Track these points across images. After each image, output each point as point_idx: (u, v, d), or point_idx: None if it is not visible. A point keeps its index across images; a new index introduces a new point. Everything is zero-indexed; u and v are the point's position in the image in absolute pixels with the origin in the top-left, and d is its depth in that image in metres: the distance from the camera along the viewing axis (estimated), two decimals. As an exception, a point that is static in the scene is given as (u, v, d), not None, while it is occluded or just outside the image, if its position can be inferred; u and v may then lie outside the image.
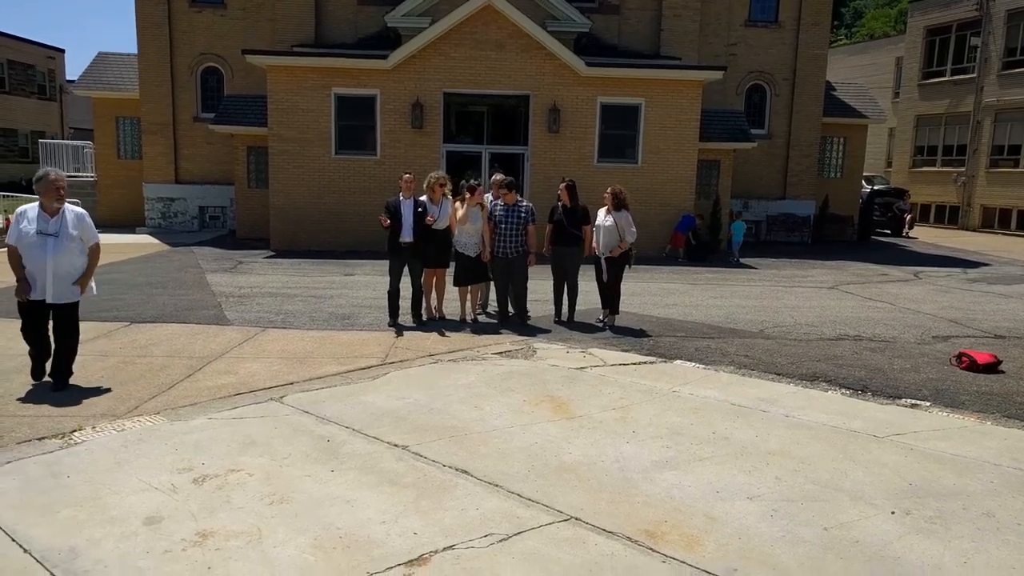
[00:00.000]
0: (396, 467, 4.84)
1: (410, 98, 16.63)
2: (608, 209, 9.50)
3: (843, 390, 6.90)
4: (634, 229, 9.46)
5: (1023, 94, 26.37)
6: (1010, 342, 9.21)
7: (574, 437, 5.43)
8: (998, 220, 27.39)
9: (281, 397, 6.21)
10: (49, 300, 6.16)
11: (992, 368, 7.60)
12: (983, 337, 9.48)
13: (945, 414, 6.23)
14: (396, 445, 5.20)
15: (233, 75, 20.29)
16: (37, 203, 6.16)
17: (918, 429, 5.77)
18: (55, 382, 6.31)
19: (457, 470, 4.81)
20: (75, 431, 5.28)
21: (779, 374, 7.38)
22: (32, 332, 6.31)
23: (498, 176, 9.81)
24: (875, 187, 26.27)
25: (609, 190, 9.63)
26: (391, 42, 18.37)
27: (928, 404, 6.47)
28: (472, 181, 9.67)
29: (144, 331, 8.55)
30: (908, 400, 6.58)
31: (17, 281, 6.12)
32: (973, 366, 7.61)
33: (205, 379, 6.71)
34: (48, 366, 6.40)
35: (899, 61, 32.82)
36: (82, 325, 8.58)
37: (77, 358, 7.22)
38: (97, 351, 7.58)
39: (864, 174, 25.24)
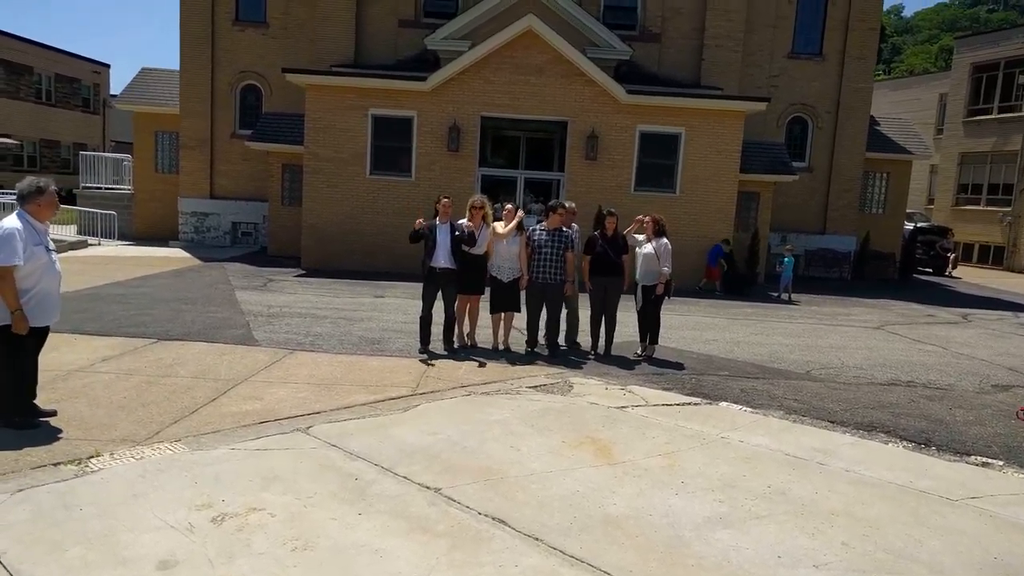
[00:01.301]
0: (428, 512, 4.48)
1: (447, 121, 16.50)
2: (648, 236, 9.23)
3: (904, 443, 6.42)
4: (671, 260, 9.14)
5: (1073, 134, 25.63)
6: (1077, 395, 8.63)
7: (618, 486, 5.04)
8: (1045, 262, 26.51)
9: (307, 428, 5.90)
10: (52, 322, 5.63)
11: (1064, 424, 7.06)
12: (1047, 388, 8.91)
13: (1022, 476, 5.73)
14: (428, 487, 4.85)
15: (272, 93, 20.37)
16: (18, 218, 5.32)
17: (994, 493, 5.28)
18: (37, 415, 5.66)
19: (493, 519, 4.44)
20: (92, 457, 5.01)
21: (833, 422, 6.92)
22: (29, 364, 5.54)
23: (568, 204, 9.42)
24: (918, 224, 25.59)
25: (649, 217, 9.38)
26: (430, 65, 18.31)
27: (1001, 464, 5.97)
28: (509, 204, 9.33)
29: (171, 349, 8.33)
30: (978, 458, 6.08)
31: (14, 311, 5.20)
32: (1043, 421, 7.08)
33: (230, 404, 6.43)
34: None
35: (942, 97, 32.21)
36: (110, 340, 8.51)
37: (104, 376, 7.06)
38: (123, 369, 7.36)
39: (906, 211, 24.59)
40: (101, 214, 20.64)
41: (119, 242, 20.50)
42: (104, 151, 33.51)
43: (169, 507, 4.32)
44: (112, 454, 5.10)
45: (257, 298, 12.27)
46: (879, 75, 46.48)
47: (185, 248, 19.68)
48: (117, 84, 46.64)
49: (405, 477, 5.00)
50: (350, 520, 4.32)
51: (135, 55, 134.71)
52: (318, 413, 6.33)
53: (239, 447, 5.38)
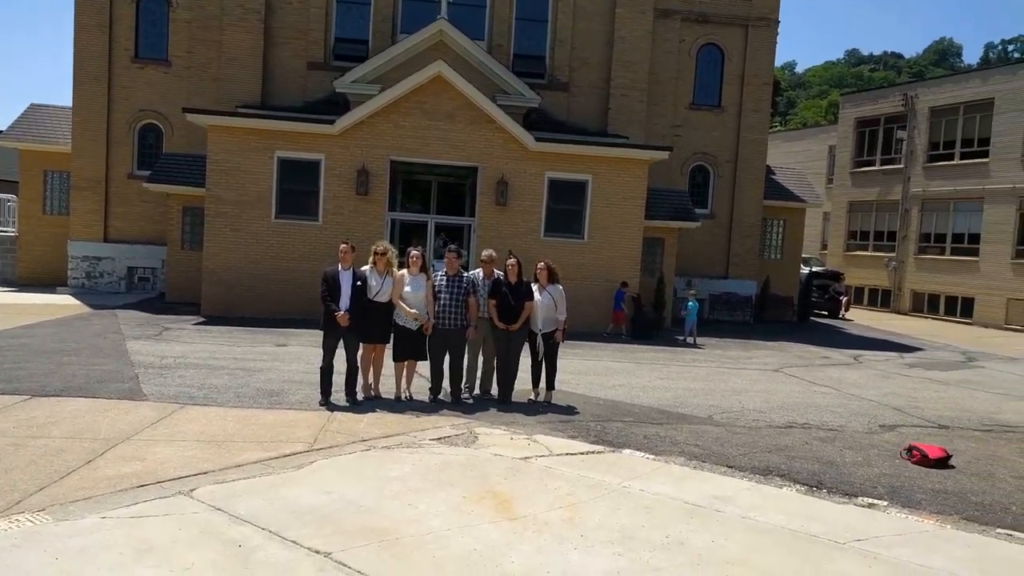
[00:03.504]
0: (315, 580, 4.26)
1: (356, 164, 16.35)
2: (541, 285, 9.25)
3: (798, 486, 6.60)
4: (565, 305, 9.25)
5: (946, 186, 27.76)
6: (954, 433, 9.15)
7: (517, 542, 4.94)
8: (927, 304, 28.36)
9: (191, 490, 5.55)
10: None
11: (943, 463, 7.44)
12: (928, 427, 9.41)
13: (903, 515, 5.97)
14: (318, 552, 4.62)
15: (173, 133, 19.74)
16: None
17: (879, 534, 5.47)
18: None
19: (385, 584, 4.26)
20: (-63, 534, 4.54)
21: (731, 467, 7.06)
22: None
23: (486, 253, 9.50)
24: (813, 269, 26.96)
25: (543, 264, 9.40)
26: (339, 107, 18.18)
27: (885, 504, 6.21)
28: (415, 251, 9.18)
29: (45, 406, 7.75)
30: (865, 499, 6.30)
31: None
32: (924, 460, 7.44)
33: (107, 467, 5.99)
34: None
35: (832, 149, 34.35)
36: (-27, 399, 7.83)
37: (-40, 439, 6.47)
38: (-14, 430, 6.78)
39: (802, 256, 25.88)
40: (-21, 258, 19.31)
41: (-1, 288, 19.18)
42: (-12, 190, 31.48)
43: (23, 588, 3.94)
44: (-38, 529, 4.64)
45: (150, 348, 11.65)
46: (776, 127, 49.30)
47: (75, 295, 18.59)
48: (4, 120, 44.08)
49: (294, 541, 4.75)
50: (229, 593, 4.05)
51: (24, 90, 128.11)
52: (205, 473, 5.98)
53: (111, 515, 4.99)
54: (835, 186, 32.97)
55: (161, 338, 12.78)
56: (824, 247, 34.06)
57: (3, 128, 24.08)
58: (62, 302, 17.10)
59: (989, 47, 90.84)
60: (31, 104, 21.75)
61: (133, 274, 20.03)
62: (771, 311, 22.40)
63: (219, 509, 5.21)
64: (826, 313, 26.26)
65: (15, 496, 5.24)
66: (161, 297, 18.69)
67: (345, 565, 4.46)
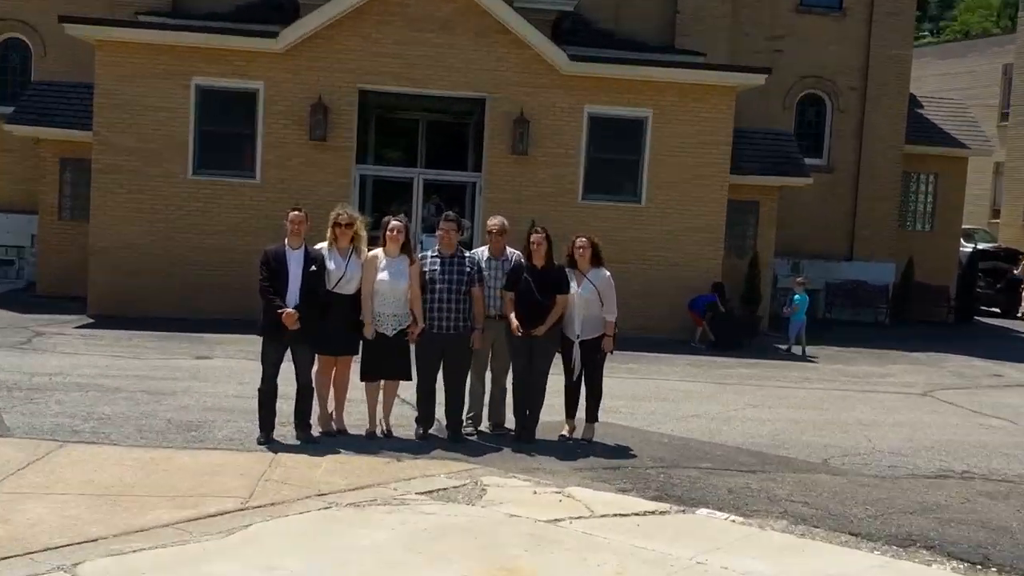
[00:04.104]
0: None
1: (309, 96, 16.46)
2: (581, 271, 9.25)
3: (954, 562, 6.61)
4: (615, 299, 9.27)
5: None
6: None
7: (543, 642, 5.00)
8: None
9: (75, 564, 5.65)
10: None
11: None
12: None
13: (1111, 607, 5.97)
14: (255, 654, 4.70)
15: (46, 53, 20.10)
16: None
17: (1074, 635, 5.47)
18: None
19: None
20: None
21: (856, 535, 7.08)
22: None
23: (493, 221, 9.52)
24: (978, 246, 26.80)
25: (584, 240, 9.33)
26: (286, 14, 18.33)
27: (1082, 589, 6.21)
28: (394, 221, 9.20)
29: None
30: (1054, 583, 6.31)
31: None
32: None
33: (-46, 530, 6.12)
34: None
35: (1007, 70, 34.00)
36: None
37: None
38: None
39: (962, 227, 25.67)
40: None
41: None
42: None
43: None
44: None
45: (14, 361, 11.89)
46: (923, 37, 48.92)
47: (-93, 284, 18.94)
48: None
49: (222, 639, 4.84)
50: None
51: None
52: (94, 541, 6.08)
53: (-39, 600, 5.10)
54: (1012, 124, 32.70)
55: (30, 347, 13.04)
56: (996, 214, 33.82)
57: None
58: None
59: None
60: None
61: (-9, 255, 20.38)
62: (916, 307, 22.35)
63: (115, 592, 5.31)
64: (998, 310, 26.12)
65: None
66: (31, 288, 19.00)
67: (295, 673, 4.53)
